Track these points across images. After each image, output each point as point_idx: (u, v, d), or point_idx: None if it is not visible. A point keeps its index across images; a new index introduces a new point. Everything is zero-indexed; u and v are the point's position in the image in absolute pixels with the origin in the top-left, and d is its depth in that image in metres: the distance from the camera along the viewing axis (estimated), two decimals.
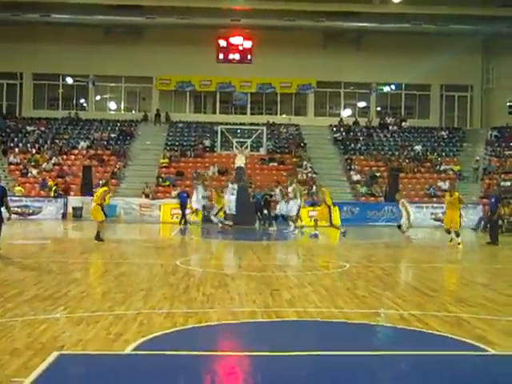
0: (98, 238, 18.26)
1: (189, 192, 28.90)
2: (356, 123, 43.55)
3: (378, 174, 37.01)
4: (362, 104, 46.09)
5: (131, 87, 44.82)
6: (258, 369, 6.16)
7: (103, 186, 19.77)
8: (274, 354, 6.44)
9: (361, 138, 41.89)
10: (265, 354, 6.48)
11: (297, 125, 43.06)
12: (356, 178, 37.02)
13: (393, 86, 45.68)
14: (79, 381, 5.61)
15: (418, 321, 7.96)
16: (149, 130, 41.95)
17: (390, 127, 43.34)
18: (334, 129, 42.89)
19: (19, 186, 33.80)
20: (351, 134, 42.37)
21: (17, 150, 38.26)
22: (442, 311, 8.70)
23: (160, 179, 35.96)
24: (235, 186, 26.48)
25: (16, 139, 39.63)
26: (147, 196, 32.84)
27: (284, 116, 44.38)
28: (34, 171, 35.98)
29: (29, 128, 40.61)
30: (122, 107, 45.37)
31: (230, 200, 25.64)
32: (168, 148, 39.72)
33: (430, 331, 7.48)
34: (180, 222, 27.36)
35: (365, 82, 44.04)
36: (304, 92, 44.47)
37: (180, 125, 42.68)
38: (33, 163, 36.61)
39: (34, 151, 38.01)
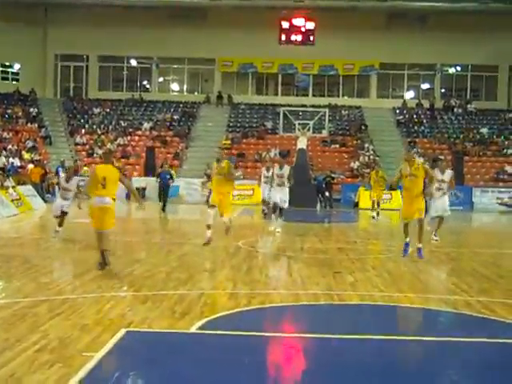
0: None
1: (171, 172, 26.15)
2: (419, 105, 42.75)
3: (441, 157, 36.27)
4: (425, 86, 45.16)
5: (194, 69, 45.05)
6: (320, 351, 6.17)
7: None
8: (336, 336, 6.44)
9: (424, 121, 41.11)
10: (326, 336, 6.48)
11: (359, 107, 42.58)
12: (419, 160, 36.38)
13: (458, 67, 44.59)
14: (147, 357, 5.73)
15: (484, 307, 7.80)
16: (211, 111, 42.15)
17: (455, 109, 42.37)
18: (397, 111, 42.21)
19: (86, 166, 34.54)
20: (414, 116, 41.63)
21: (83, 130, 39.07)
22: (511, 298, 8.51)
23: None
24: (266, 173, 19.15)
25: (82, 120, 40.44)
26: (209, 177, 33.04)
27: (346, 98, 43.92)
28: (100, 152, 36.68)
29: (94, 109, 41.37)
30: (185, 89, 45.67)
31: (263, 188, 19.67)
32: (230, 130, 39.87)
33: (497, 318, 7.34)
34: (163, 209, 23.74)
35: (429, 63, 43.06)
36: (367, 74, 43.86)
37: (242, 106, 42.73)
38: (98, 144, 37.34)
39: (99, 132, 38.75)
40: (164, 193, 24.43)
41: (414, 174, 12.20)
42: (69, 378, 4.89)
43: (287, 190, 16.53)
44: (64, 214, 14.41)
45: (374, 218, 22.41)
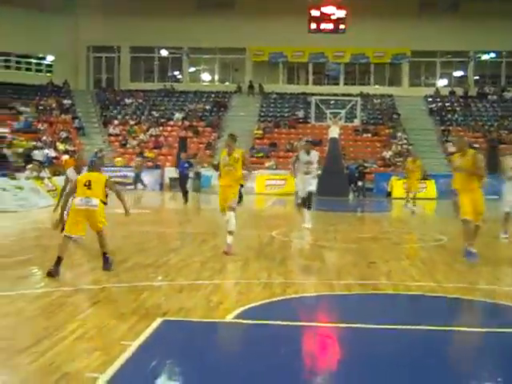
0: None
1: (192, 161, 24.49)
2: (452, 93, 42.25)
3: (476, 146, 35.86)
4: (458, 73, 44.59)
5: (224, 59, 45.12)
6: (354, 342, 6.15)
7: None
8: (370, 326, 6.42)
9: (458, 109, 40.64)
10: (360, 326, 6.46)
11: (391, 95, 42.22)
12: (452, 149, 35.97)
13: (492, 54, 43.90)
14: (183, 346, 5.79)
15: None
16: (242, 101, 42.18)
17: (489, 97, 41.79)
18: (430, 99, 41.78)
19: (119, 156, 34.88)
20: (447, 104, 41.15)
21: (116, 121, 39.42)
22: None
23: (254, 150, 36.19)
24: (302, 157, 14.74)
25: (115, 111, 40.83)
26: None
27: (377, 86, 43.53)
28: (133, 142, 37.00)
29: (127, 100, 41.69)
30: (216, 79, 45.78)
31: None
32: (261, 119, 39.87)
33: None
34: (185, 201, 22.43)
35: (462, 50, 42.50)
36: (398, 62, 43.47)
37: (273, 96, 42.69)
38: (132, 134, 37.65)
39: (132, 123, 39.06)
40: (183, 183, 22.88)
41: (462, 167, 10.11)
42: (107, 366, 4.96)
43: (315, 179, 14.54)
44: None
45: (413, 212, 20.18)
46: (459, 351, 5.88)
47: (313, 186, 14.31)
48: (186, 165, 23.31)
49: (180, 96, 42.64)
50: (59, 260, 8.60)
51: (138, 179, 29.63)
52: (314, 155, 14.48)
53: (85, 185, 8.94)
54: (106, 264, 9.05)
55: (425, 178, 29.89)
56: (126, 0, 40.71)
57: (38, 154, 31.42)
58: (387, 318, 6.83)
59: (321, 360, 5.61)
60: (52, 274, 8.43)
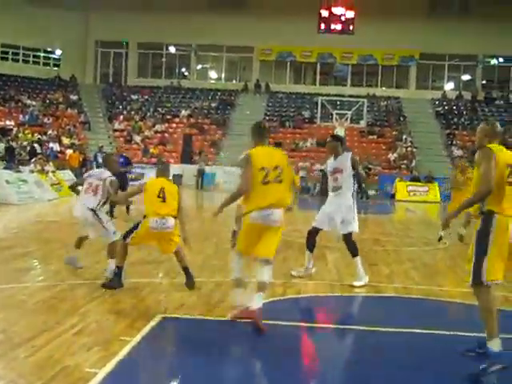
0: None
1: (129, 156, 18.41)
2: (460, 97, 42.17)
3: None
4: (466, 77, 44.50)
5: (232, 57, 45.12)
6: (351, 342, 6.15)
7: None
8: (368, 328, 6.42)
9: (464, 113, 40.55)
10: (359, 328, 6.47)
11: (398, 98, 42.18)
12: (458, 153, 35.92)
13: (500, 59, 43.75)
14: (182, 343, 5.79)
15: None
16: (249, 99, 42.16)
17: (497, 102, 41.71)
18: (437, 102, 41.70)
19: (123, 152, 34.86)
20: (454, 108, 41.07)
21: (121, 117, 39.45)
22: None
23: None
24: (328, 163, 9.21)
25: (121, 107, 40.86)
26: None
27: (385, 89, 43.45)
28: (138, 138, 37.00)
29: (133, 96, 41.73)
30: (223, 77, 45.79)
31: None
32: (267, 118, 39.80)
33: None
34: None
35: (470, 53, 42.36)
36: (406, 64, 43.41)
37: (280, 95, 42.69)
38: (137, 130, 37.66)
39: (137, 118, 39.08)
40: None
41: None
42: (106, 361, 4.96)
43: (351, 200, 8.61)
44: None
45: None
46: (456, 356, 5.86)
47: (349, 218, 8.57)
48: (121, 159, 16.14)
49: (186, 93, 42.65)
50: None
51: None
52: (345, 159, 8.70)
53: (159, 196, 7.72)
54: (189, 279, 7.90)
55: (430, 181, 29.86)
56: None
57: (39, 148, 31.42)
58: (385, 320, 6.82)
59: (318, 361, 5.61)
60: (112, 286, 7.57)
